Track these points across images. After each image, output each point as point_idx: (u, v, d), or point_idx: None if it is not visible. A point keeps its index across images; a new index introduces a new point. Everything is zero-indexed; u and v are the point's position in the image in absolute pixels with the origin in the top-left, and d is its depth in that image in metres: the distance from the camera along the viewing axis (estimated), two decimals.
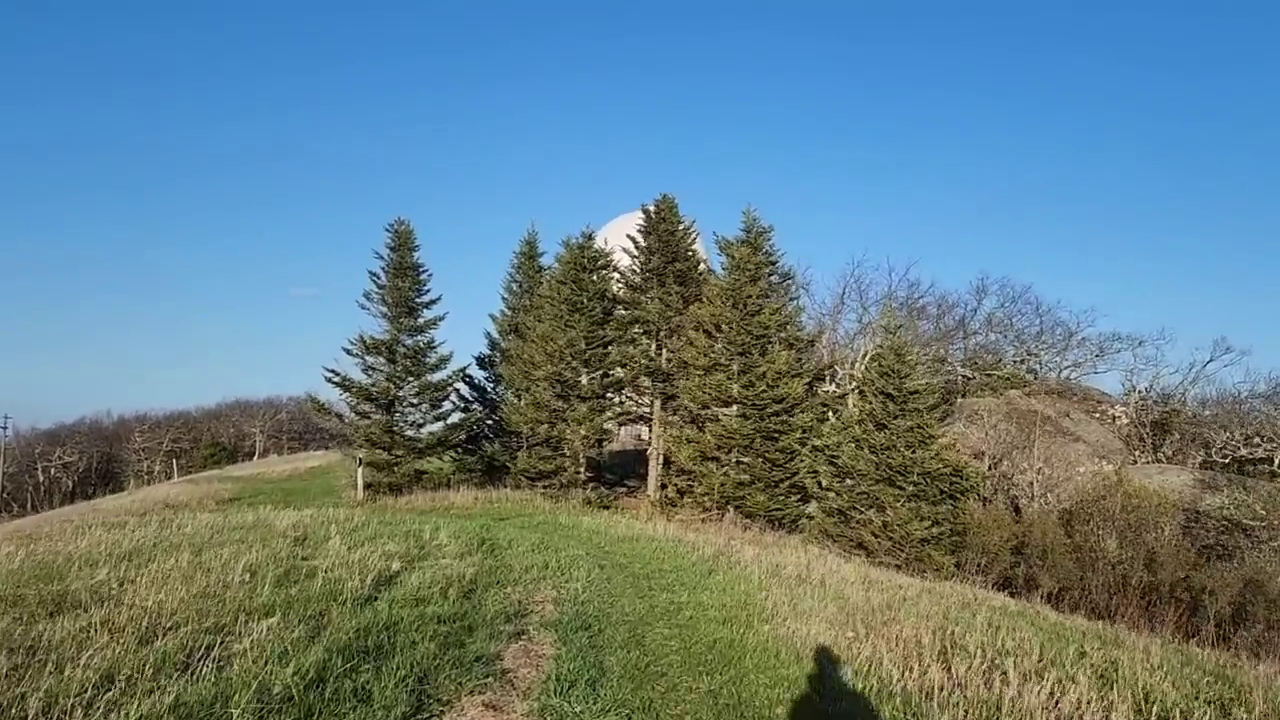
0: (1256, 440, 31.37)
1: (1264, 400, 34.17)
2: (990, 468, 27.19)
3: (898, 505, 15.61)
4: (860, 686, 5.26)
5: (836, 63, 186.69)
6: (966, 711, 4.96)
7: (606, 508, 19.44)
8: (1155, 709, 5.31)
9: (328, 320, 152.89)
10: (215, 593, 5.92)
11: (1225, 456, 31.22)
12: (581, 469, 20.55)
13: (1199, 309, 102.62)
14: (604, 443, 21.85)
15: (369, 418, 21.60)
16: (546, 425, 20.43)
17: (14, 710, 3.56)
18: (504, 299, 27.13)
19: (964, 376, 40.06)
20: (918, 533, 14.99)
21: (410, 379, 21.98)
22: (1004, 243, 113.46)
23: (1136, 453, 32.94)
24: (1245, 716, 5.51)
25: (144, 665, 4.17)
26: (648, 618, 6.71)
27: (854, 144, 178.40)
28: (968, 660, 5.95)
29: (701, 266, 24.16)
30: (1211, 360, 36.52)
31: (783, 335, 20.05)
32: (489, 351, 26.62)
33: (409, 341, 22.20)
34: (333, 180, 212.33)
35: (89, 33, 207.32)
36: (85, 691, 3.74)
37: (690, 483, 19.11)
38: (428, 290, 22.71)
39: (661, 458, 21.73)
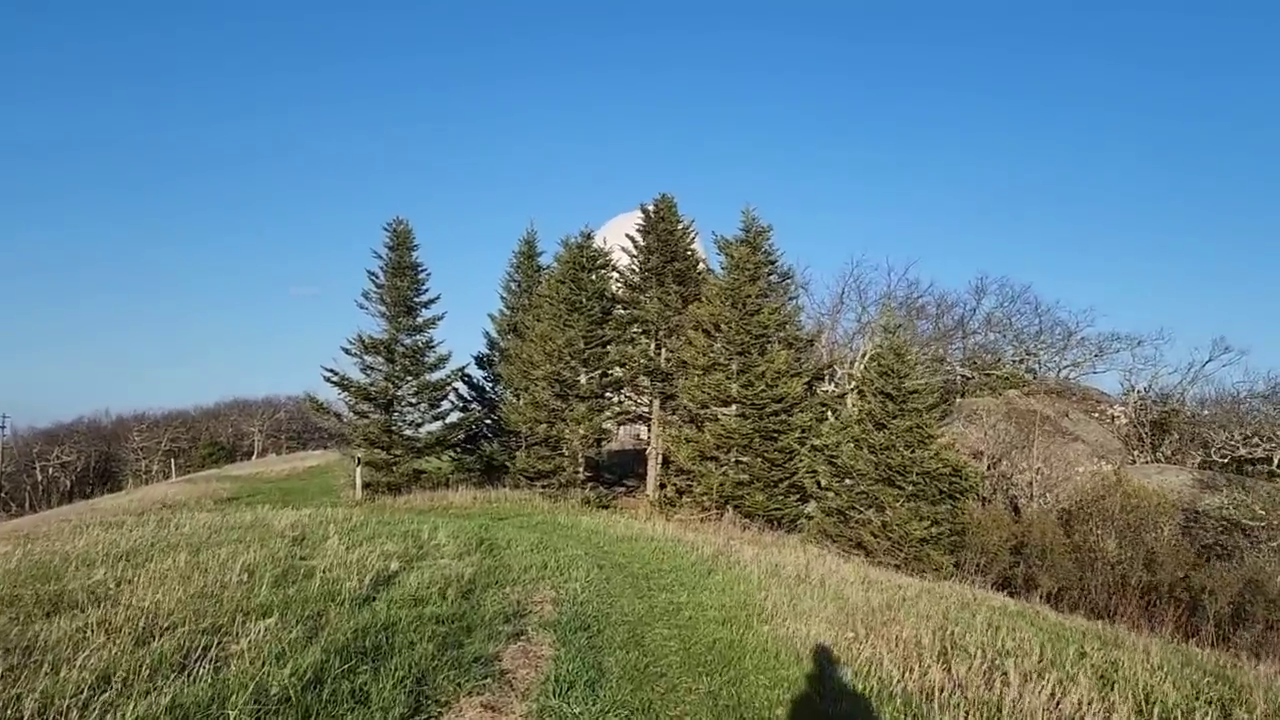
0: (1255, 440, 31.40)
1: (1263, 400, 34.22)
2: (989, 467, 27.20)
3: (897, 505, 15.59)
4: (860, 687, 5.25)
5: (836, 63, 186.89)
6: (967, 713, 4.94)
7: (605, 507, 19.42)
8: (1156, 710, 5.30)
9: (327, 319, 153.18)
10: (213, 593, 5.90)
11: (1224, 456, 31.25)
12: (580, 468, 20.53)
13: (1198, 309, 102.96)
14: (603, 442, 21.82)
15: (367, 417, 21.58)
16: (545, 425, 20.41)
17: (9, 711, 3.54)
18: (503, 298, 27.11)
19: (963, 376, 40.08)
20: (917, 532, 14.97)
21: (409, 378, 21.96)
22: (1003, 243, 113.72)
23: (1135, 452, 32.98)
24: (1246, 717, 5.50)
25: (140, 666, 4.14)
26: (647, 618, 6.69)
27: (854, 144, 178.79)
28: (968, 661, 5.93)
29: (701, 266, 24.11)
30: (1210, 360, 36.62)
31: (782, 335, 20.04)
32: (488, 351, 26.60)
33: (408, 341, 22.19)
34: (332, 179, 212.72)
35: (89, 32, 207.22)
36: (81, 693, 3.72)
37: (689, 482, 19.09)
38: (426, 290, 22.76)
39: (660, 457, 21.71)
